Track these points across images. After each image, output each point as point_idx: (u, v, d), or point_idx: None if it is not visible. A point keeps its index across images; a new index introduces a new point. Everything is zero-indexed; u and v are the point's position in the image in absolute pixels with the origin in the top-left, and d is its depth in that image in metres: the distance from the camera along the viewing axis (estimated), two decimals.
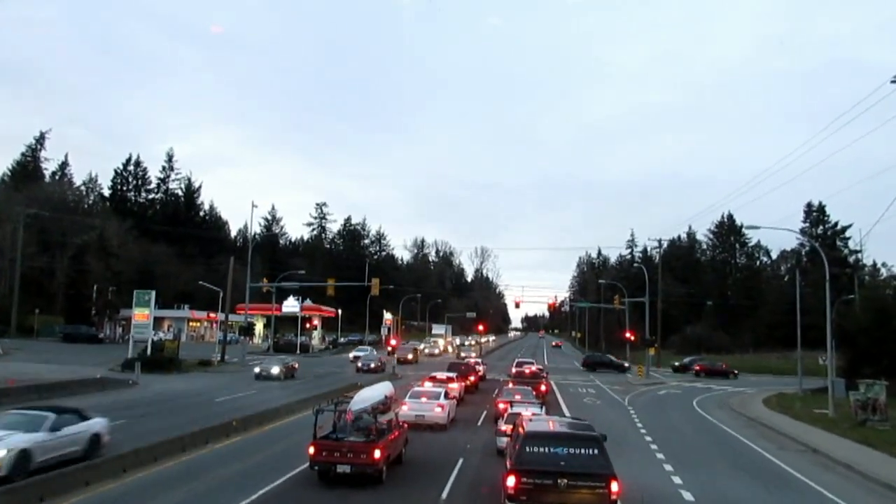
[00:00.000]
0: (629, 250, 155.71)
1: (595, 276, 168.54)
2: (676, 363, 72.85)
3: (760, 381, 64.06)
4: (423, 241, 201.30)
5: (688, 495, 16.40)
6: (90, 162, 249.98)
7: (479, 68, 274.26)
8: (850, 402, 31.38)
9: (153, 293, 48.93)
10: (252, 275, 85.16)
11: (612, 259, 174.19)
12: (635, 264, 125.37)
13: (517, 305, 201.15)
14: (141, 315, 48.02)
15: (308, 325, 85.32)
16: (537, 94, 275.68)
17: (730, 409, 38.26)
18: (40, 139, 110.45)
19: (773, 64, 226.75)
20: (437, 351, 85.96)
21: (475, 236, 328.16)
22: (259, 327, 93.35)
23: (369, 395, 17.80)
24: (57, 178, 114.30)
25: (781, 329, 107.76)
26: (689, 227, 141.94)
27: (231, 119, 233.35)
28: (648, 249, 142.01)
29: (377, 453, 16.09)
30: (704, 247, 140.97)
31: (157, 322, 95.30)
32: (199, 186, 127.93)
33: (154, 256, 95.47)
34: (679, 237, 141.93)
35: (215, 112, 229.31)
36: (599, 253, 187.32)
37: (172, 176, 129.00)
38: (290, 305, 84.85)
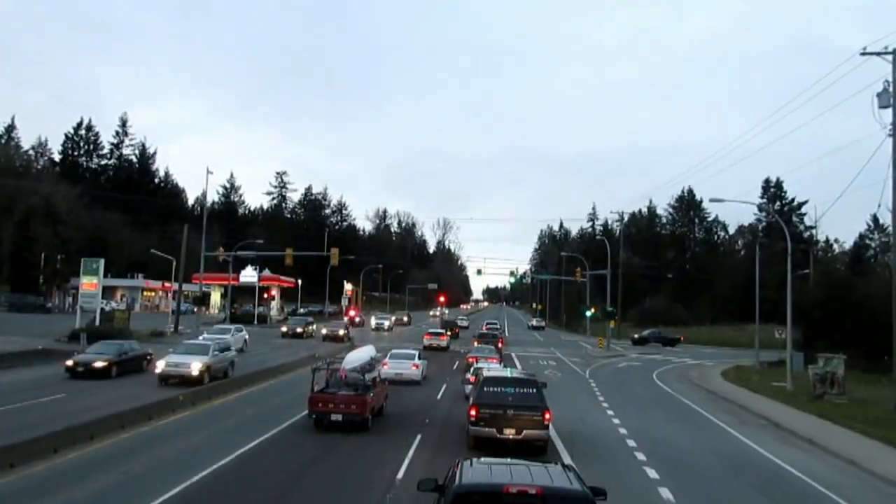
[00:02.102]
0: (590, 223, 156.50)
1: (557, 249, 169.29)
2: (636, 335, 73.37)
3: (717, 353, 64.94)
4: (385, 211, 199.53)
5: (652, 473, 15.93)
6: (45, 128, 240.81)
7: (450, 40, 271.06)
8: (807, 376, 31.52)
9: (101, 261, 46.91)
10: (210, 244, 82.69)
11: (574, 232, 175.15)
12: (597, 237, 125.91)
13: (479, 272, 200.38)
14: (89, 284, 46.13)
15: (266, 296, 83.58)
16: (508, 68, 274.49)
17: (689, 381, 38.36)
18: None
19: (739, 43, 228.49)
20: (386, 325, 74.59)
21: (439, 208, 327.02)
22: (216, 298, 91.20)
23: (357, 356, 20.77)
24: (3, 141, 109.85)
25: (737, 303, 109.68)
26: (650, 202, 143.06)
27: (194, 86, 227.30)
28: (609, 223, 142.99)
29: (364, 405, 19.12)
30: (664, 221, 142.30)
31: (110, 291, 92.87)
32: (154, 153, 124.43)
33: (107, 224, 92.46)
34: (640, 211, 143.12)
35: (178, 79, 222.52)
36: (561, 226, 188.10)
37: (126, 141, 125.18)
38: (248, 275, 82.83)
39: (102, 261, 47.17)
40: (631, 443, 19.26)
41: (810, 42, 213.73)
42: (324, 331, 55.00)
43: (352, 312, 52.29)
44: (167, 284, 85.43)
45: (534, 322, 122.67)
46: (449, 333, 57.36)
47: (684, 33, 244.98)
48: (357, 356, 20.74)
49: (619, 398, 29.42)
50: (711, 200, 33.67)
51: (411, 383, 30.30)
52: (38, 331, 45.86)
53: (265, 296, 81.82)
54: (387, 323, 74.41)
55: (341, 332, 53.66)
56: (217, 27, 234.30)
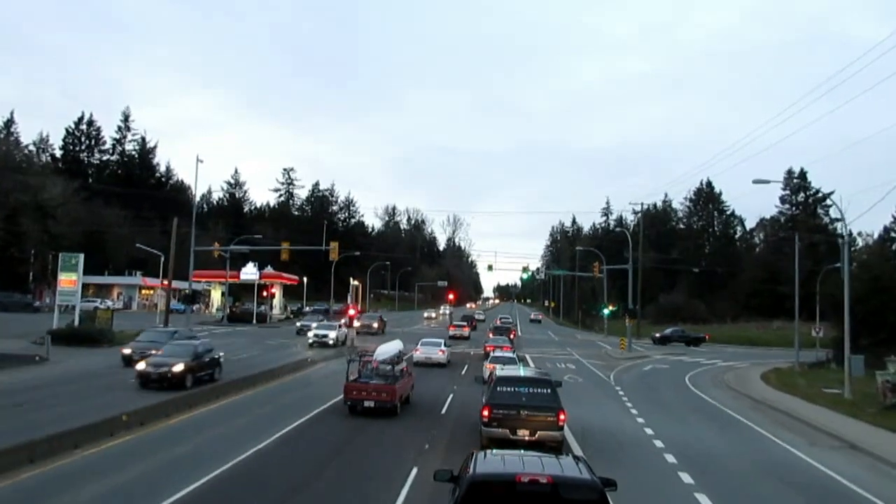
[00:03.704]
0: (604, 218, 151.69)
1: (569, 245, 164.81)
2: (657, 334, 69.01)
3: (746, 352, 60.56)
4: (394, 208, 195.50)
5: None
6: (53, 125, 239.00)
7: (461, 35, 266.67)
8: (868, 382, 27.46)
9: (81, 256, 43.35)
10: (214, 241, 79.13)
11: (586, 228, 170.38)
12: (617, 229, 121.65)
13: (490, 268, 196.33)
14: (67, 280, 42.62)
15: (265, 293, 79.90)
16: (519, 63, 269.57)
17: (727, 387, 34.24)
18: None
19: (755, 36, 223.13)
20: (331, 337, 44.52)
21: (450, 205, 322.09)
22: (216, 296, 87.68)
23: (387, 349, 23.11)
24: (1, 136, 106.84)
25: (759, 298, 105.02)
26: (665, 195, 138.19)
27: (202, 83, 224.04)
28: (624, 217, 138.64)
29: (394, 393, 21.10)
30: (680, 215, 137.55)
31: (107, 289, 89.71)
32: (155, 146, 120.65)
33: (106, 220, 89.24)
34: (655, 205, 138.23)
35: (186, 76, 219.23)
36: (574, 221, 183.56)
37: (129, 136, 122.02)
38: (249, 273, 79.21)
39: (82, 256, 43.60)
40: (686, 477, 15.10)
41: (824, 35, 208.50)
42: (140, 366, 25.82)
43: (351, 311, 47.18)
44: (165, 282, 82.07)
45: (532, 315, 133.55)
46: (469, 326, 66.90)
47: (697, 27, 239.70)
48: (387, 349, 23.24)
49: (653, 409, 25.39)
50: (755, 182, 29.05)
51: (439, 365, 36.77)
52: (16, 331, 42.66)
53: (264, 293, 78.09)
54: (332, 334, 44.69)
55: (177, 367, 25.19)
56: (226, 23, 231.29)
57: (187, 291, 54.74)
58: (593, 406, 25.54)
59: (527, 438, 16.07)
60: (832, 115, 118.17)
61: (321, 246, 69.19)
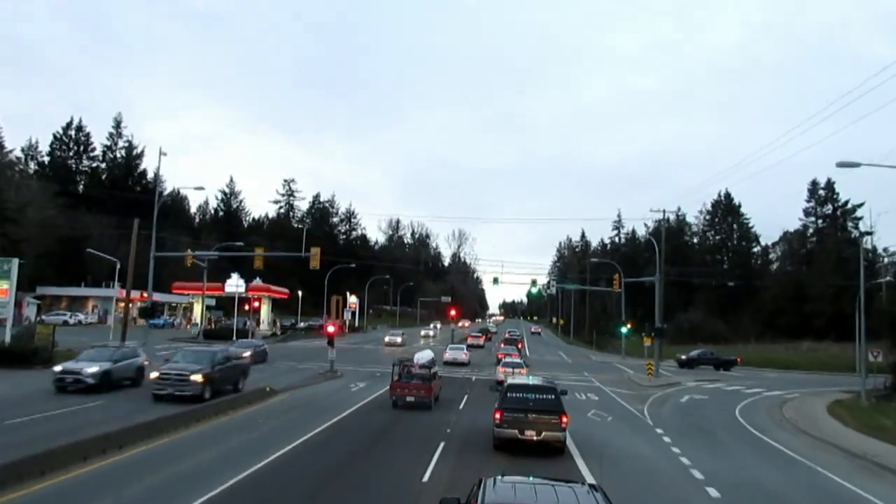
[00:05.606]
0: (615, 231, 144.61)
1: (577, 260, 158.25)
2: (683, 357, 61.96)
3: (785, 378, 53.45)
4: (398, 222, 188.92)
5: None
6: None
7: (466, 50, 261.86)
8: None
9: (15, 261, 37.06)
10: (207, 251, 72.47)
11: (594, 243, 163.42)
12: (639, 237, 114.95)
13: (495, 281, 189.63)
14: None
15: (247, 307, 73.27)
16: (526, 78, 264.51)
17: (795, 427, 27.25)
18: None
19: (763, 52, 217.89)
20: (91, 373, 25.36)
21: (455, 220, 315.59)
22: (199, 309, 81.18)
23: (424, 356, 29.96)
24: None
25: (783, 317, 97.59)
26: (679, 209, 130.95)
27: (204, 96, 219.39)
28: (637, 230, 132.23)
29: (430, 391, 26.24)
30: (695, 229, 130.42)
31: (81, 302, 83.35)
32: (142, 153, 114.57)
33: (88, 228, 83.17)
34: (667, 219, 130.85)
35: (188, 89, 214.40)
36: (583, 235, 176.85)
37: (120, 143, 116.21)
38: (233, 284, 72.68)
39: (16, 261, 37.25)
40: None
41: (830, 51, 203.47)
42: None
43: (331, 329, 40.38)
44: (145, 294, 75.31)
45: (532, 329, 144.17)
46: (485, 336, 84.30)
47: (701, 43, 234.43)
48: (424, 355, 29.49)
49: (721, 465, 18.45)
50: (838, 165, 22.51)
51: (462, 364, 47.37)
52: None
53: (246, 307, 71.46)
54: (89, 369, 25.63)
55: None
56: (230, 38, 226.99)
57: (142, 304, 48.19)
58: (632, 464, 18.73)
59: (534, 438, 17.98)
60: (845, 130, 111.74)
61: (323, 259, 62.28)
